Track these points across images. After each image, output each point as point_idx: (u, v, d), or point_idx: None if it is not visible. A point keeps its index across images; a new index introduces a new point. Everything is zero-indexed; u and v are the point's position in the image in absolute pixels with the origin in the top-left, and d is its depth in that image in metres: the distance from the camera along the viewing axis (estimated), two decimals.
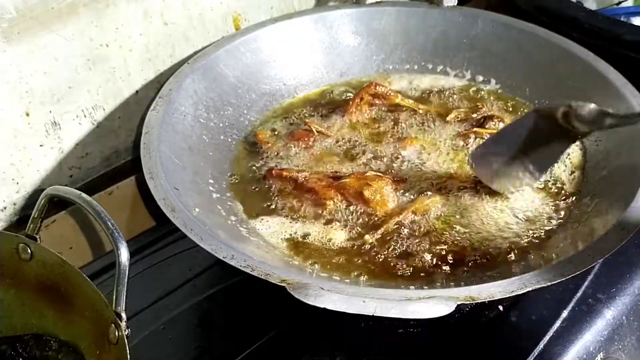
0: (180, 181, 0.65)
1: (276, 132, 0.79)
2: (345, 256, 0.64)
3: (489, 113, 0.80)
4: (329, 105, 0.84)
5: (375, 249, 0.64)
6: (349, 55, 0.89)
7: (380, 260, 0.63)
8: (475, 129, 0.77)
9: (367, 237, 0.65)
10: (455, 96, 0.85)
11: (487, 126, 0.77)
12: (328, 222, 0.67)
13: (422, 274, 0.62)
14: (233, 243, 0.58)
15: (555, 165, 0.72)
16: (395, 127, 0.79)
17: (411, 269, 0.62)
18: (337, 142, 0.77)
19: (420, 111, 0.81)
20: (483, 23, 0.88)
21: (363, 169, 0.73)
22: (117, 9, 0.71)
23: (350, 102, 0.81)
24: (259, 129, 0.79)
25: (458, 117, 0.80)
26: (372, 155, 0.75)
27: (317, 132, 0.77)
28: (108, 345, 0.52)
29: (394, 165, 0.74)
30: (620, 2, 1.05)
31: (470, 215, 0.68)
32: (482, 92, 0.86)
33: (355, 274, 0.62)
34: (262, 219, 0.67)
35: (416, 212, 0.67)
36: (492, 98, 0.85)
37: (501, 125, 0.77)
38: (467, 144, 0.76)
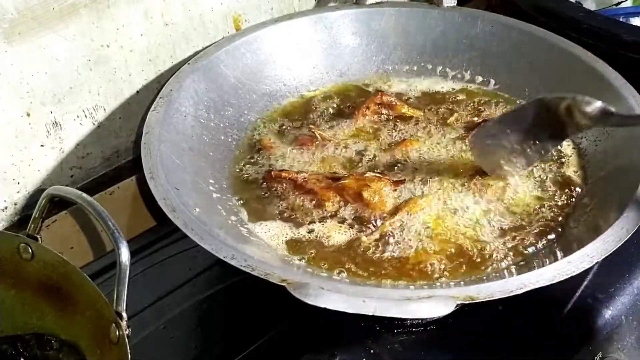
0: (180, 181, 0.65)
1: (279, 133, 0.80)
2: (343, 256, 0.64)
3: (490, 116, 0.79)
4: (334, 109, 0.84)
5: (372, 250, 0.64)
6: (348, 55, 0.89)
7: (377, 260, 0.63)
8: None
9: (364, 238, 0.65)
10: (455, 98, 0.85)
11: None
12: (327, 222, 0.67)
13: (419, 274, 0.62)
14: (233, 243, 0.59)
15: (553, 167, 0.73)
16: (398, 131, 0.79)
17: (408, 268, 0.62)
18: (340, 147, 0.77)
19: (425, 118, 0.81)
20: (483, 23, 0.88)
21: (363, 171, 0.73)
22: (118, 10, 0.71)
23: (357, 112, 0.81)
24: (263, 134, 0.79)
25: (459, 120, 0.80)
26: (373, 158, 0.75)
27: (321, 138, 0.77)
28: (109, 345, 0.52)
29: (394, 167, 0.74)
30: (619, 3, 1.05)
31: (466, 215, 0.68)
32: (481, 93, 0.87)
33: (355, 274, 0.62)
34: (262, 219, 0.68)
35: (410, 211, 0.67)
36: (489, 98, 0.85)
37: None
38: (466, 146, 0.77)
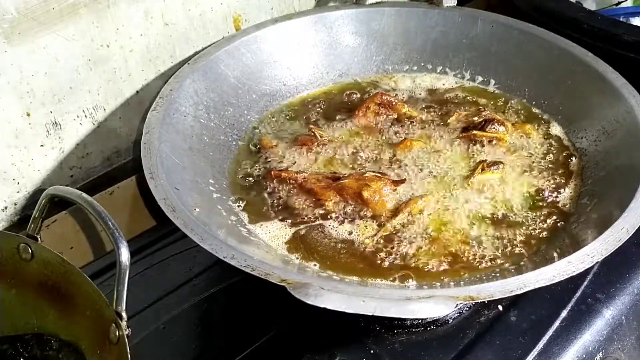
0: (180, 181, 0.65)
1: (279, 133, 0.79)
2: (344, 257, 0.64)
3: (490, 116, 0.79)
4: (334, 109, 0.84)
5: (374, 251, 0.64)
6: (348, 55, 0.89)
7: (378, 260, 0.63)
8: (474, 132, 0.77)
9: (367, 240, 0.65)
10: (456, 98, 0.85)
11: (487, 129, 0.77)
12: (327, 223, 0.67)
13: (419, 274, 0.62)
14: (233, 243, 0.59)
15: (553, 166, 0.73)
16: (397, 131, 0.79)
17: (409, 269, 0.63)
18: (340, 147, 0.77)
19: (424, 118, 0.82)
20: (483, 23, 0.88)
21: (362, 170, 0.73)
22: (118, 10, 0.71)
23: (357, 111, 0.81)
24: (263, 134, 0.79)
25: (459, 120, 0.80)
26: (373, 158, 0.75)
27: (321, 137, 0.77)
28: (109, 345, 0.52)
29: (394, 166, 0.74)
30: (619, 3, 1.05)
31: (466, 214, 0.68)
32: (481, 93, 0.86)
33: (355, 274, 0.62)
34: (262, 219, 0.68)
35: (410, 212, 0.67)
36: (491, 99, 0.85)
37: (502, 128, 0.77)
38: (466, 146, 0.77)
